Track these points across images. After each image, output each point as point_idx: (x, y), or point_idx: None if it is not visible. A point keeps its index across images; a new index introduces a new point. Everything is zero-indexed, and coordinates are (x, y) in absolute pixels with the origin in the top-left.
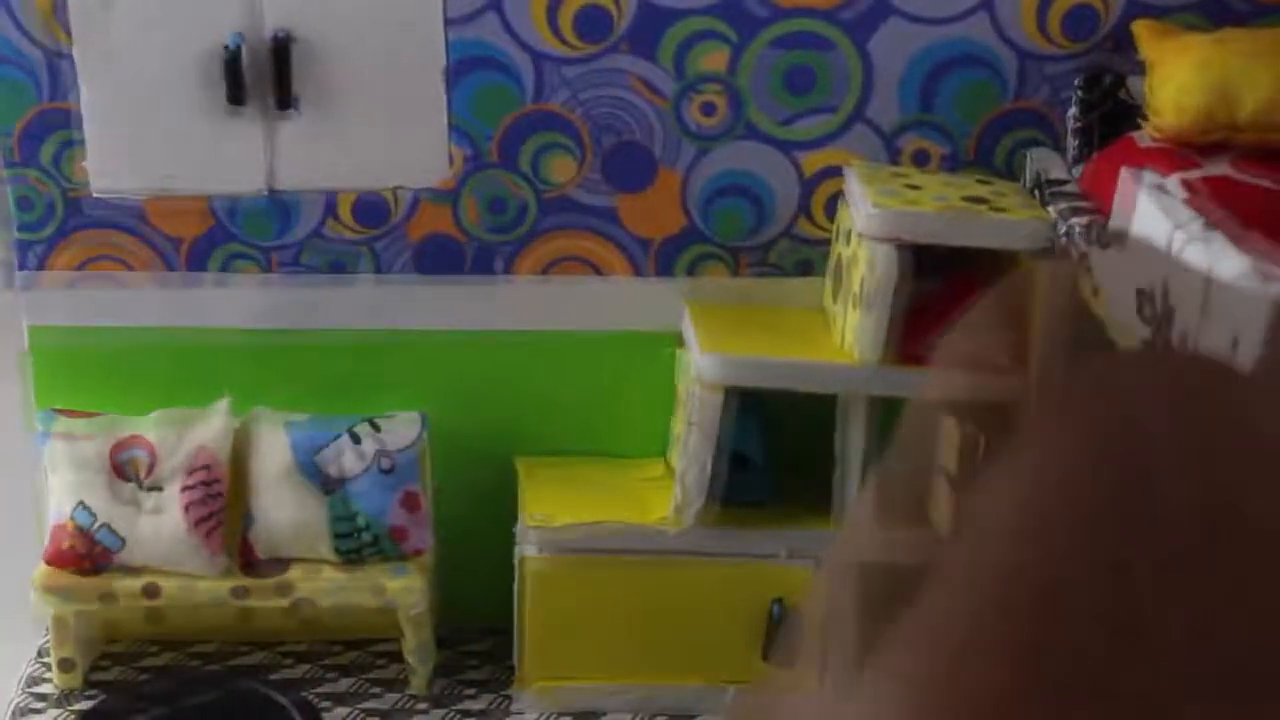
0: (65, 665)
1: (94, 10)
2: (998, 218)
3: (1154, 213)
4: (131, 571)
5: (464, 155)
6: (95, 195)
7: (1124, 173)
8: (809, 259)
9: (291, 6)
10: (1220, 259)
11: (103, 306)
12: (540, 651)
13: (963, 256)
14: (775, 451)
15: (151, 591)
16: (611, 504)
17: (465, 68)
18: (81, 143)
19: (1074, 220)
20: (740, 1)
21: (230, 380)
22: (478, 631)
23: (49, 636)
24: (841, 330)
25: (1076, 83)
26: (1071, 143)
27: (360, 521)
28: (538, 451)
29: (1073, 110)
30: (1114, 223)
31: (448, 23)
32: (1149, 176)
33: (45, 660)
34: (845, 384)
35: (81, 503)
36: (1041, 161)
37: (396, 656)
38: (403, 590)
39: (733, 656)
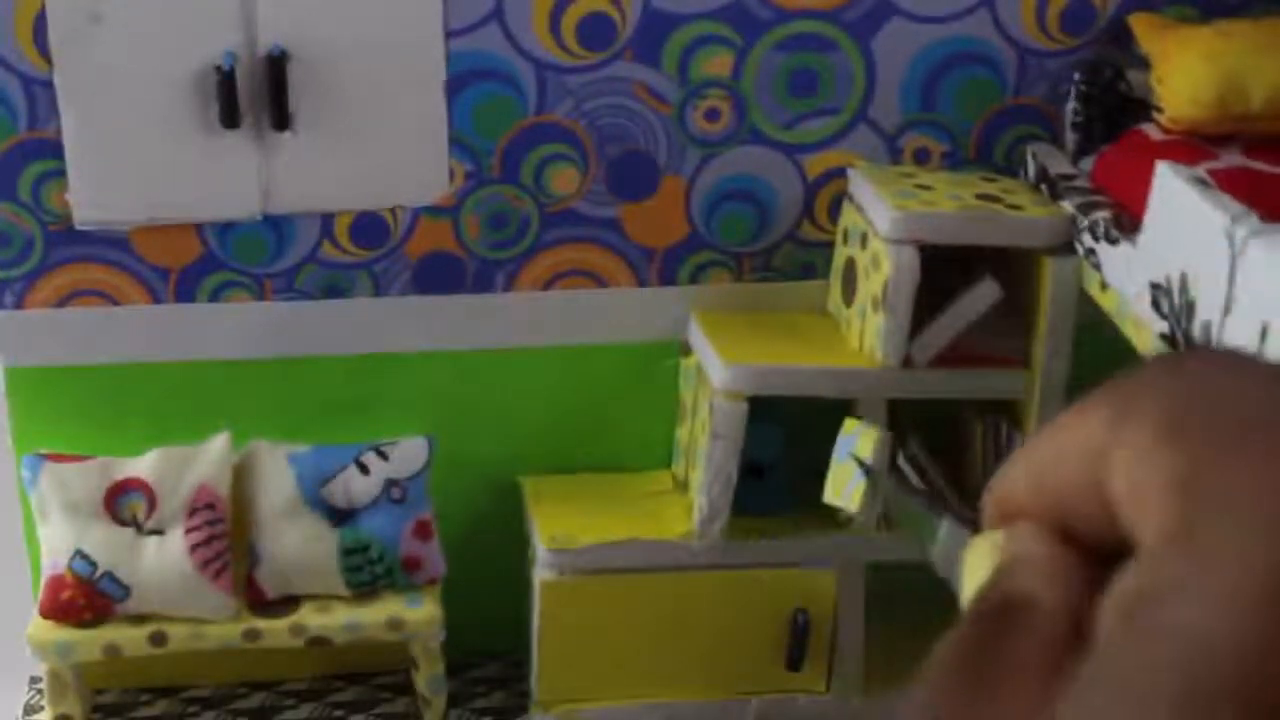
0: None
1: (77, 33)
2: (1017, 215)
3: (1201, 206)
4: (136, 620)
5: (465, 170)
6: (78, 227)
7: (1160, 166)
8: (811, 262)
9: (287, 22)
10: (1247, 247)
11: (87, 344)
12: (559, 675)
13: (964, 255)
14: (786, 457)
15: (158, 639)
16: (626, 520)
17: (466, 80)
18: (62, 173)
19: (1096, 215)
20: (744, 4)
21: (225, 413)
22: (481, 656)
23: (35, 694)
24: (859, 334)
25: (1076, 77)
26: (1072, 137)
27: (374, 553)
28: (540, 468)
29: (1072, 104)
30: (1148, 216)
31: (448, 35)
32: (1187, 170)
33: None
34: (869, 388)
35: (79, 552)
36: (1043, 156)
37: (401, 689)
38: (423, 621)
39: (756, 668)
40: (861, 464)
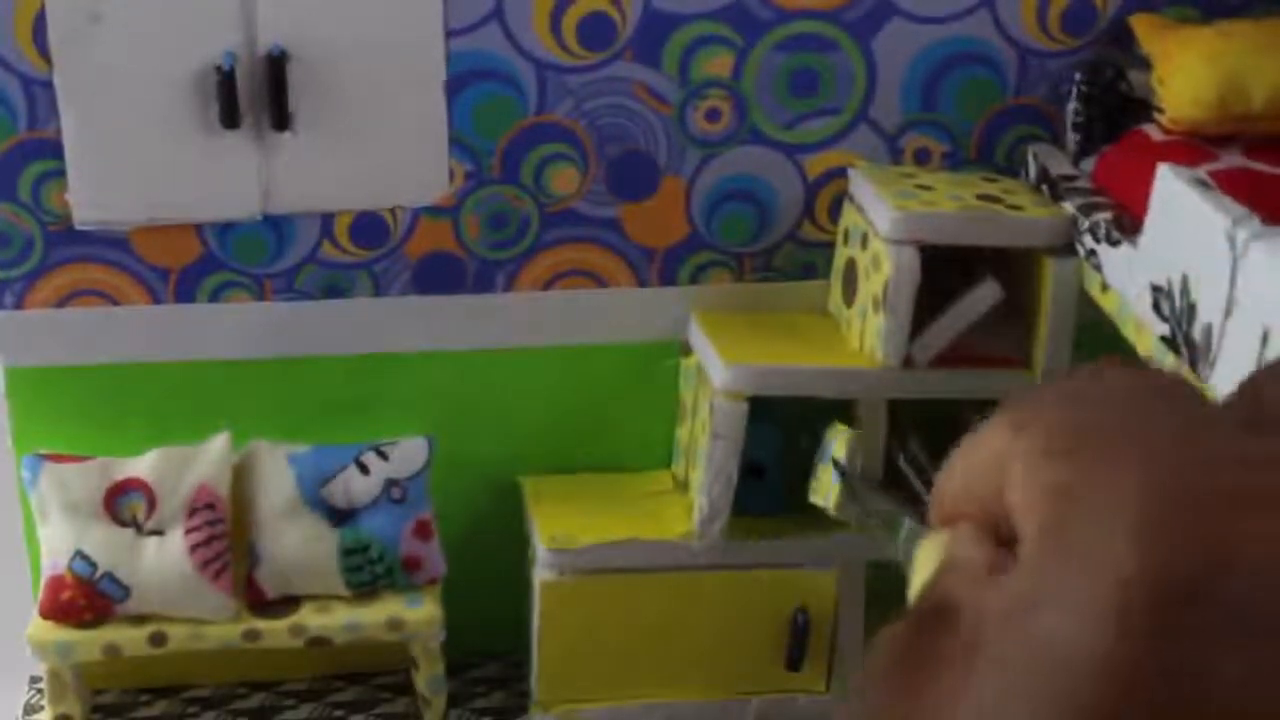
0: None
1: (77, 33)
2: (1018, 216)
3: (1202, 208)
4: (136, 620)
5: (465, 170)
6: (78, 227)
7: (1162, 168)
8: (812, 262)
9: (287, 22)
10: (1249, 250)
11: (87, 344)
12: (559, 675)
13: (964, 256)
14: (785, 458)
15: (158, 639)
16: (626, 520)
17: (466, 80)
18: (62, 173)
19: (1097, 216)
20: (744, 4)
21: (225, 413)
22: (481, 656)
23: (35, 694)
24: (860, 334)
25: (1077, 77)
26: (1073, 137)
27: (374, 553)
28: (540, 468)
29: (1073, 105)
30: (1149, 218)
31: (448, 35)
32: (1188, 172)
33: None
34: (870, 388)
35: (79, 552)
36: (1044, 157)
37: (401, 689)
38: (423, 621)
39: (756, 668)
40: (837, 465)
